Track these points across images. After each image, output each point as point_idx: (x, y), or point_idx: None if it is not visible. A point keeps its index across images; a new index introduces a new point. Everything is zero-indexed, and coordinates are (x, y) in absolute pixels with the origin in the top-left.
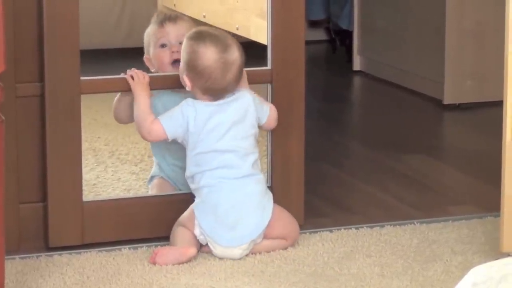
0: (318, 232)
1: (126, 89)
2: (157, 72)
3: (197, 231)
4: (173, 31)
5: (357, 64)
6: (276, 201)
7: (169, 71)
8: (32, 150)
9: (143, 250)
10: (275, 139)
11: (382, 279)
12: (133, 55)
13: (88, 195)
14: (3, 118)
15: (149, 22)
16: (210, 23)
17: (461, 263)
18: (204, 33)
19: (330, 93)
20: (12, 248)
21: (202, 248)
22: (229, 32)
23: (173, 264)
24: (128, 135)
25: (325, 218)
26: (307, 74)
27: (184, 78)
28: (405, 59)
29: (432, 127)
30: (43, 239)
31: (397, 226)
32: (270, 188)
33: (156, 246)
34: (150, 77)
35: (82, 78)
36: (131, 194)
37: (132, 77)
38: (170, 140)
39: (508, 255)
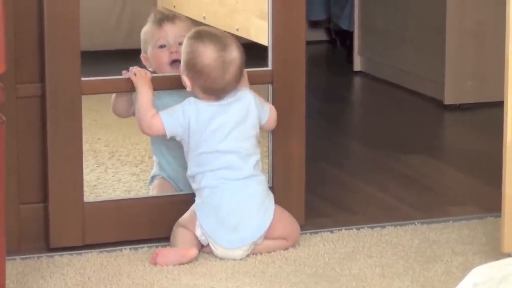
0: (319, 233)
1: (127, 89)
2: (155, 72)
3: (198, 232)
4: (171, 32)
5: (357, 65)
6: (277, 201)
7: (168, 71)
8: (32, 151)
9: (144, 250)
10: (276, 139)
11: (383, 279)
12: (133, 56)
13: (88, 196)
14: (4, 118)
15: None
16: (210, 24)
17: (461, 264)
18: (203, 32)
19: (331, 94)
20: (12, 249)
21: (203, 248)
22: (229, 33)
23: (174, 265)
24: (128, 136)
25: (325, 218)
26: (307, 75)
27: (184, 78)
28: (406, 60)
29: (433, 128)
30: (44, 240)
31: (398, 227)
32: (271, 188)
33: (157, 246)
34: (151, 77)
35: (82, 79)
36: (131, 195)
37: (135, 74)
38: (168, 137)
39: (509, 255)
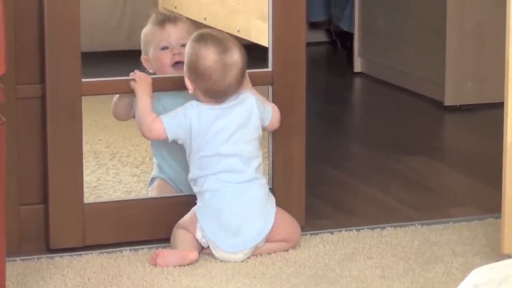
0: (319, 234)
1: (127, 91)
2: (155, 73)
3: (199, 235)
4: (173, 33)
5: (357, 66)
6: (277, 203)
7: (170, 73)
8: (33, 152)
9: (144, 252)
10: (276, 140)
11: (383, 281)
12: (134, 57)
13: (89, 197)
14: (4, 119)
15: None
16: (211, 25)
17: (462, 265)
18: (206, 35)
19: (331, 95)
20: (13, 250)
21: (203, 250)
22: (230, 34)
23: (174, 266)
24: (129, 137)
25: (326, 219)
26: (307, 76)
27: (186, 81)
28: (406, 61)
29: (433, 129)
30: (44, 241)
31: (398, 228)
32: (271, 189)
33: (157, 248)
34: (152, 79)
35: (83, 80)
36: (132, 196)
37: (135, 79)
38: (170, 141)
39: (509, 256)
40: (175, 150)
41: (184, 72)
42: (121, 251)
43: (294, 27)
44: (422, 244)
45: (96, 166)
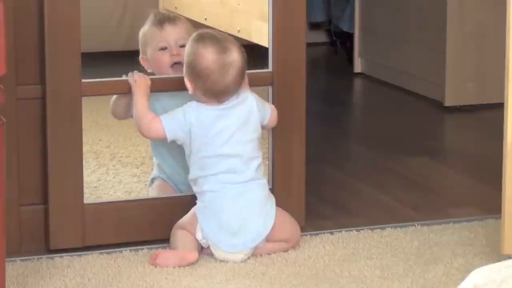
0: (319, 234)
1: (127, 91)
2: (154, 73)
3: (199, 235)
4: (173, 33)
5: (358, 66)
6: (278, 203)
7: (169, 73)
8: (33, 152)
9: (144, 252)
10: (276, 141)
11: (383, 281)
12: (134, 58)
13: (89, 197)
14: (4, 120)
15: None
16: (211, 25)
17: (462, 265)
18: (205, 35)
19: (331, 95)
20: (13, 250)
21: (203, 250)
22: (230, 35)
23: (174, 267)
24: (129, 137)
25: (326, 220)
26: (307, 76)
27: (186, 81)
28: (406, 61)
29: (433, 129)
30: (44, 241)
31: (398, 228)
32: (271, 190)
33: (157, 248)
34: (151, 80)
35: (83, 80)
36: (132, 197)
37: (135, 80)
38: (169, 141)
39: (509, 257)
40: (175, 150)
41: (184, 72)
42: (121, 252)
43: (294, 27)
44: (422, 245)
45: (96, 167)
